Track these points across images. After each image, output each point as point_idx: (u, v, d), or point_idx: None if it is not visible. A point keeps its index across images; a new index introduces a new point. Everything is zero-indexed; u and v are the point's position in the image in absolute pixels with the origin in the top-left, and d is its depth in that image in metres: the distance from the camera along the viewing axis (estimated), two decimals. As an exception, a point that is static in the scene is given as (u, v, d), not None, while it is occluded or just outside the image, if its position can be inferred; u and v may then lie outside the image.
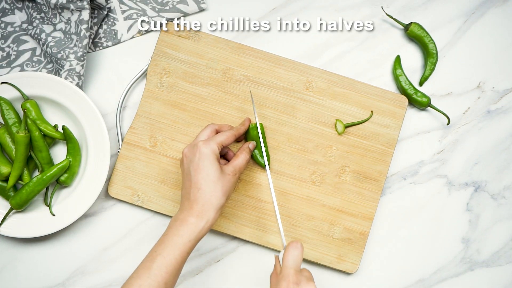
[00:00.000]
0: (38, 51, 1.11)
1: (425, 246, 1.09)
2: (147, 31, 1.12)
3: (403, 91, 1.09)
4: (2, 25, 1.10)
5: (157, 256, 0.89)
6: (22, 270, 1.08)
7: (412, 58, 1.12)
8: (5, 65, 1.10)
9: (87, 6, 1.05)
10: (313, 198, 1.07)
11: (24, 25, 1.11)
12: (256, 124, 1.05)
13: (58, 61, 1.06)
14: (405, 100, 1.08)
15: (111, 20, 1.11)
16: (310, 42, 1.12)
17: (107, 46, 1.12)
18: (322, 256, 1.06)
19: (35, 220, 1.05)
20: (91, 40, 1.10)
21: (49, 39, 1.07)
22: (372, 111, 1.07)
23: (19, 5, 1.11)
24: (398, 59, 1.11)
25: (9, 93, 1.05)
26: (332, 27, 1.12)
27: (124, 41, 1.12)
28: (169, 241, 0.90)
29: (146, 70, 1.10)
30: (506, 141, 1.11)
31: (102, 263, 1.08)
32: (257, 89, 1.08)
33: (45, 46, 1.07)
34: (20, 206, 1.03)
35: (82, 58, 1.06)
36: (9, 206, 1.05)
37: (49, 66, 1.10)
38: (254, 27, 1.12)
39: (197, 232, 0.91)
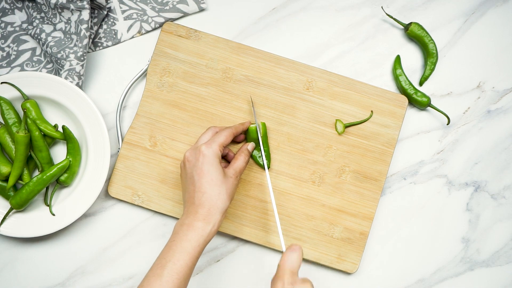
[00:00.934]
0: (38, 51, 1.11)
1: (425, 246, 1.09)
2: (147, 31, 1.12)
3: (403, 91, 1.09)
4: (2, 25, 1.10)
5: (167, 263, 0.89)
6: (22, 270, 1.08)
7: (412, 58, 1.12)
8: (5, 65, 1.10)
9: (87, 6, 1.05)
10: (313, 198, 1.07)
11: (24, 25, 1.11)
12: (255, 127, 1.05)
13: (58, 61, 1.06)
14: (405, 100, 1.08)
15: (111, 20, 1.11)
16: (310, 42, 1.12)
17: (107, 46, 1.12)
18: (322, 256, 1.06)
19: (35, 220, 1.05)
20: (91, 40, 1.10)
21: (49, 39, 1.07)
22: (372, 111, 1.08)
23: (19, 5, 1.11)
24: (398, 59, 1.11)
25: (9, 93, 1.05)
26: (332, 27, 1.12)
27: (124, 41, 1.12)
28: (177, 246, 0.90)
29: (146, 70, 1.10)
30: (506, 141, 1.11)
31: (102, 263, 1.08)
32: (257, 89, 1.08)
33: (45, 46, 1.07)
34: (20, 206, 1.03)
35: (82, 58, 1.06)
36: (9, 206, 1.05)
37: (49, 66, 1.10)
38: (254, 27, 1.12)
39: (205, 236, 0.91)
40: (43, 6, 1.08)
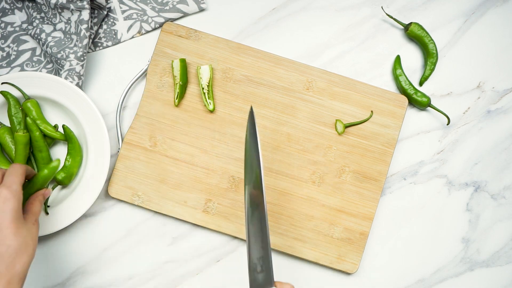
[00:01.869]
0: (38, 51, 1.11)
1: (425, 246, 1.09)
2: (147, 31, 1.12)
3: (403, 91, 1.09)
4: (2, 25, 1.10)
5: None
6: (22, 270, 1.08)
7: (412, 58, 1.12)
8: (5, 65, 1.10)
9: (87, 6, 1.05)
10: (313, 198, 1.07)
11: (24, 25, 1.11)
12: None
13: (58, 61, 1.06)
14: (405, 100, 1.08)
15: (111, 20, 1.11)
16: (310, 42, 1.12)
17: (107, 46, 1.12)
18: (322, 256, 1.06)
19: (35, 220, 1.05)
20: (91, 40, 1.10)
21: (49, 39, 1.07)
22: (372, 111, 1.08)
23: (19, 5, 1.11)
24: (398, 59, 1.11)
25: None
26: (332, 27, 1.12)
27: (124, 41, 1.12)
28: None
29: (146, 70, 1.10)
30: (506, 141, 1.11)
31: (102, 263, 1.08)
32: (257, 89, 1.08)
33: (45, 46, 1.07)
34: None
35: (82, 58, 1.06)
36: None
37: (49, 66, 1.10)
38: (254, 27, 1.12)
39: None
40: (43, 6, 1.08)
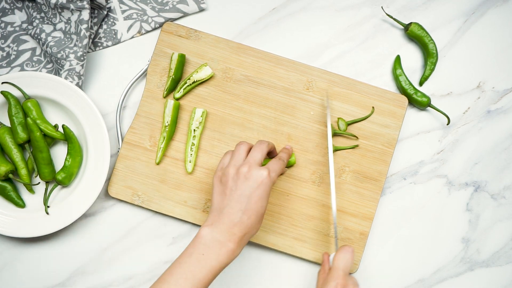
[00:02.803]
0: (38, 51, 1.11)
1: (425, 246, 1.09)
2: (147, 31, 1.12)
3: (403, 91, 1.09)
4: (2, 25, 1.10)
5: (192, 277, 0.88)
6: (22, 270, 1.08)
7: (412, 58, 1.12)
8: (5, 65, 1.10)
9: (87, 6, 1.05)
10: (313, 198, 1.07)
11: (24, 25, 1.11)
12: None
13: (58, 61, 1.06)
14: (405, 100, 1.08)
15: (111, 20, 1.11)
16: (310, 42, 1.12)
17: (107, 46, 1.12)
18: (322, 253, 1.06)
19: (35, 220, 1.05)
20: (91, 40, 1.10)
21: (49, 39, 1.07)
22: (373, 107, 1.07)
23: (19, 5, 1.11)
24: (398, 59, 1.11)
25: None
26: (332, 27, 1.12)
27: (124, 41, 1.12)
28: (207, 263, 0.88)
29: (146, 70, 1.10)
30: (506, 141, 1.11)
31: (102, 263, 1.08)
32: (257, 89, 1.08)
33: (45, 46, 1.07)
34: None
35: (82, 58, 1.06)
36: (8, 206, 1.06)
37: (49, 66, 1.10)
38: (254, 27, 1.12)
39: (233, 258, 0.90)
40: (43, 6, 1.08)
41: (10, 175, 1.04)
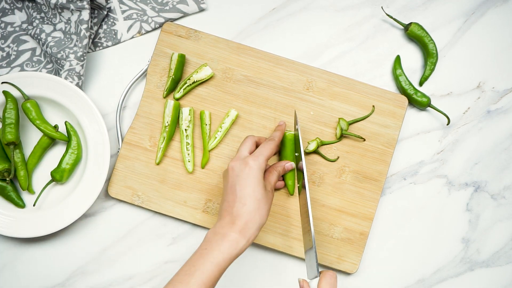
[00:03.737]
0: (38, 51, 1.11)
1: (425, 246, 1.09)
2: (147, 31, 1.12)
3: (403, 91, 1.09)
4: (2, 25, 1.10)
5: (196, 272, 0.87)
6: (22, 270, 1.08)
7: (412, 58, 1.12)
8: (5, 65, 1.10)
9: (87, 6, 1.05)
10: (313, 198, 1.07)
11: (24, 25, 1.11)
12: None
13: (58, 61, 1.06)
14: (405, 100, 1.08)
15: (111, 20, 1.11)
16: (310, 42, 1.12)
17: (107, 46, 1.12)
18: (322, 256, 1.06)
19: (35, 220, 1.05)
20: (91, 40, 1.10)
21: (49, 39, 1.07)
22: (373, 106, 1.07)
23: (19, 5, 1.11)
24: (398, 59, 1.11)
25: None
26: (332, 27, 1.12)
27: (124, 41, 1.12)
28: (209, 256, 0.88)
29: (146, 70, 1.10)
30: (506, 141, 1.11)
31: (102, 263, 1.08)
32: (257, 89, 1.08)
33: (45, 46, 1.07)
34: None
35: (82, 58, 1.06)
36: (8, 206, 1.06)
37: (49, 66, 1.10)
38: (254, 27, 1.12)
39: (238, 249, 0.89)
40: (43, 6, 1.08)
41: (6, 174, 1.04)
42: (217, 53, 1.09)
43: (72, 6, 1.05)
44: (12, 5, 1.11)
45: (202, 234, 1.08)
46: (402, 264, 1.09)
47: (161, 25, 1.11)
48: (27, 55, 1.11)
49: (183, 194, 1.07)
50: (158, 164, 1.07)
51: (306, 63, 1.10)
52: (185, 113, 1.07)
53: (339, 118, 1.07)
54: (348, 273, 1.08)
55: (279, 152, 1.06)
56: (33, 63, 1.11)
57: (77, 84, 1.07)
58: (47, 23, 1.09)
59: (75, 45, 1.06)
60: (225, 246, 0.89)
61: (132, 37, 1.12)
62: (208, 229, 1.07)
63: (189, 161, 1.07)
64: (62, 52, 1.06)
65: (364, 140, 1.07)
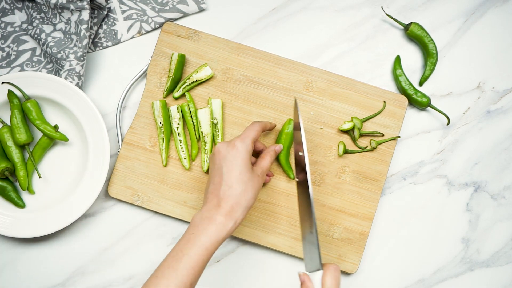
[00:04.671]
0: (38, 51, 1.11)
1: (425, 246, 1.09)
2: (147, 31, 1.12)
3: (403, 91, 1.09)
4: (2, 25, 1.10)
5: (184, 256, 0.87)
6: (22, 270, 1.08)
7: (412, 58, 1.12)
8: (5, 65, 1.10)
9: (87, 6, 1.05)
10: (313, 198, 1.07)
11: (24, 25, 1.11)
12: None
13: (58, 61, 1.06)
14: (405, 100, 1.08)
15: (111, 20, 1.11)
16: (310, 42, 1.12)
17: (107, 46, 1.12)
18: (322, 256, 1.06)
19: (35, 220, 1.05)
20: (91, 40, 1.10)
21: (49, 39, 1.07)
22: (384, 102, 1.07)
23: (19, 5, 1.11)
24: (398, 59, 1.11)
25: (9, 93, 1.06)
26: (332, 27, 1.12)
27: (124, 41, 1.12)
28: (196, 240, 0.88)
29: (146, 70, 1.10)
30: (506, 141, 1.11)
31: (102, 263, 1.08)
32: (257, 89, 1.08)
33: (45, 46, 1.07)
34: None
35: (82, 58, 1.06)
36: (8, 206, 1.06)
37: (49, 66, 1.10)
38: (254, 27, 1.12)
39: (225, 232, 0.89)
40: (43, 6, 1.08)
41: (7, 173, 1.04)
42: (217, 53, 1.09)
43: (72, 6, 1.05)
44: (12, 5, 1.11)
45: (202, 234, 1.08)
46: (402, 264, 1.09)
47: (161, 25, 1.11)
48: (27, 55, 1.11)
49: (183, 194, 1.07)
50: (165, 166, 1.07)
51: (306, 63, 1.10)
52: (173, 111, 1.07)
53: (352, 117, 1.06)
54: (348, 273, 1.08)
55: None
56: (33, 63, 1.11)
57: (77, 84, 1.07)
58: (47, 23, 1.09)
59: (75, 45, 1.06)
60: (212, 229, 0.88)
61: (132, 37, 1.12)
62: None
63: (184, 158, 1.07)
64: (62, 52, 1.06)
65: (383, 135, 1.07)
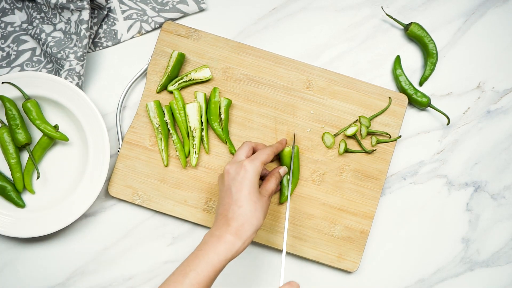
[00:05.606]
0: (38, 51, 1.11)
1: (425, 246, 1.09)
2: (147, 31, 1.12)
3: (403, 91, 1.09)
4: (2, 25, 1.11)
5: (190, 272, 0.88)
6: (22, 270, 1.08)
7: (412, 58, 1.12)
8: (5, 65, 1.10)
9: (87, 6, 1.05)
10: (314, 197, 1.07)
11: (24, 25, 1.11)
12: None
13: (58, 61, 1.06)
14: (405, 98, 1.08)
15: (111, 20, 1.12)
16: (310, 42, 1.12)
17: (107, 46, 1.12)
18: (323, 255, 1.06)
19: (35, 220, 1.05)
20: (91, 40, 1.10)
21: (49, 39, 1.07)
22: (390, 98, 1.07)
23: (19, 5, 1.11)
24: (398, 59, 1.11)
25: (10, 93, 1.06)
26: (332, 27, 1.12)
27: (124, 41, 1.12)
28: (204, 257, 0.89)
29: (146, 70, 1.10)
30: (506, 141, 1.11)
31: (102, 263, 1.08)
32: (257, 88, 1.08)
33: (45, 46, 1.07)
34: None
35: (82, 58, 1.06)
36: (8, 206, 1.06)
37: (49, 66, 1.10)
38: (254, 27, 1.12)
39: (234, 251, 0.89)
40: (43, 6, 1.08)
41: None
42: (217, 52, 1.09)
43: (72, 6, 1.05)
44: (12, 5, 1.11)
45: (202, 233, 1.08)
46: (402, 264, 1.09)
47: (161, 25, 1.11)
48: (27, 55, 1.11)
49: (184, 193, 1.07)
50: (167, 165, 1.07)
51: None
52: (150, 107, 1.07)
53: (360, 116, 1.06)
54: (348, 272, 1.07)
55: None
56: (33, 63, 1.11)
57: (77, 84, 1.07)
58: (47, 23, 1.09)
59: (75, 45, 1.06)
60: (220, 247, 0.89)
61: (132, 37, 1.12)
62: (209, 228, 1.07)
63: (179, 157, 1.07)
64: (62, 52, 1.06)
65: (390, 136, 1.07)
